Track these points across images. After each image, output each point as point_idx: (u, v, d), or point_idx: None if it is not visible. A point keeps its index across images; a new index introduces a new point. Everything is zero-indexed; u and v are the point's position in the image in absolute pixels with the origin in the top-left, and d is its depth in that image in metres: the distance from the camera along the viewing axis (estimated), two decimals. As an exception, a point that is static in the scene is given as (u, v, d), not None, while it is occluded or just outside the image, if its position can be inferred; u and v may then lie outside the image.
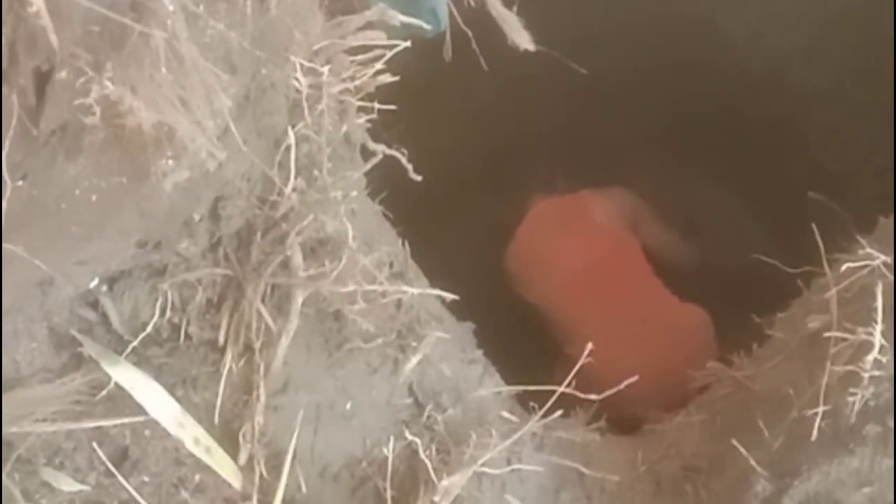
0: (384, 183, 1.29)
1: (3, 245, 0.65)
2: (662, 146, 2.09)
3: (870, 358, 1.02)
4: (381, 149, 1.20)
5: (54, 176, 0.68)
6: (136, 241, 0.86)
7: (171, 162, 0.74)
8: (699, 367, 1.33)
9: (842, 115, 2.15)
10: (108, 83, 0.63)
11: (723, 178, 2.26)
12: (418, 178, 1.23)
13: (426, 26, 1.20)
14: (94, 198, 0.72)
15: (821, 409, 1.03)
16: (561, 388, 1.12)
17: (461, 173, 2.15)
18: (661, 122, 2.24)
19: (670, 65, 2.22)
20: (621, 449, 1.26)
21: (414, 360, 1.14)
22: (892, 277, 1.08)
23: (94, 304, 1.01)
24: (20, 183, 0.65)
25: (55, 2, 0.56)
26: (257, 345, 1.03)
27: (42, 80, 0.62)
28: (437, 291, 1.14)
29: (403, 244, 1.26)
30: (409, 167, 1.22)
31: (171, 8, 0.62)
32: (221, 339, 1.02)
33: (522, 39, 0.93)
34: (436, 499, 1.01)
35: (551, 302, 1.91)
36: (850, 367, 1.03)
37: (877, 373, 1.02)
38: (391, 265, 1.20)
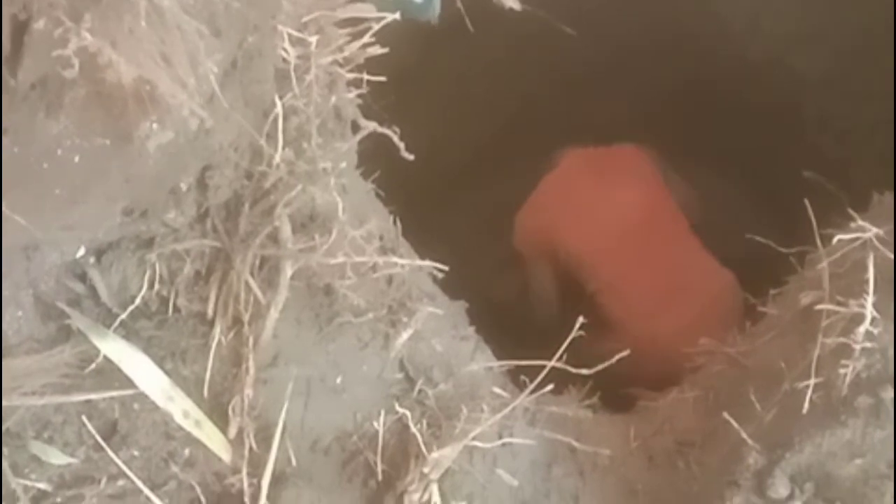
0: (376, 163, 1.29)
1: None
2: (657, 131, 2.08)
3: (861, 330, 1.01)
4: (372, 125, 1.19)
5: (36, 133, 0.68)
6: (122, 208, 0.85)
7: (154, 125, 0.74)
8: (725, 332, 1.32)
9: (840, 100, 2.15)
10: (87, 34, 0.62)
11: (719, 164, 2.26)
12: (410, 156, 1.22)
13: (417, 0, 1.20)
14: (77, 159, 0.71)
15: (812, 381, 1.03)
16: (552, 363, 1.12)
17: (456, 152, 2.14)
18: (656, 106, 2.23)
19: (668, 49, 2.22)
20: (614, 425, 1.26)
21: (405, 335, 1.13)
22: (884, 250, 1.07)
23: (82, 277, 1.00)
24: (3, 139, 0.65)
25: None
26: (246, 317, 1.02)
27: (20, 29, 0.62)
28: (429, 263, 1.14)
29: (395, 222, 1.26)
30: (401, 145, 1.21)
31: (149, -41, 0.62)
32: (210, 312, 1.02)
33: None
34: (426, 471, 1.01)
35: (585, 251, 1.87)
36: (841, 340, 1.03)
37: (868, 345, 1.01)
38: (381, 238, 1.19)
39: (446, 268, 1.15)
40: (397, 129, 1.19)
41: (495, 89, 2.27)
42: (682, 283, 1.83)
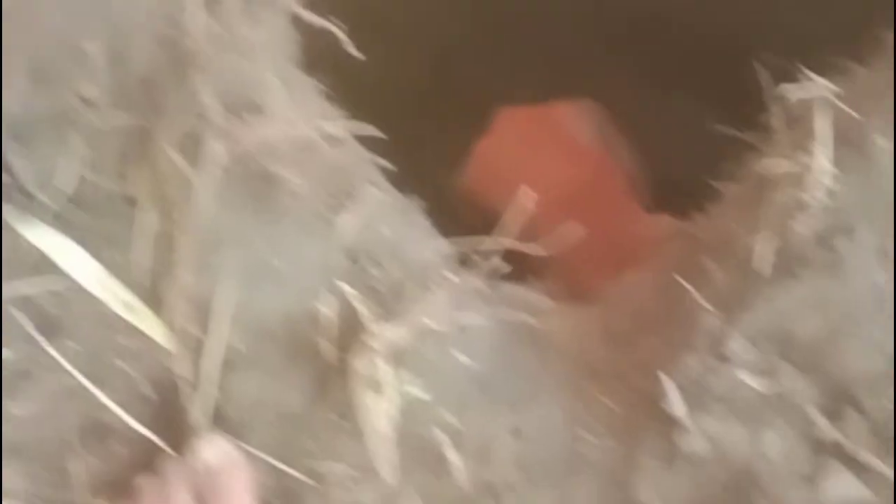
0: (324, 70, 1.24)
1: None
2: (612, 55, 2.02)
3: (812, 180, 0.98)
4: (312, 17, 1.14)
5: None
6: (26, 68, 0.81)
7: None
8: None
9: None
10: None
11: (679, 88, 2.19)
12: (360, 55, 1.17)
13: None
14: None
15: (764, 235, 1.00)
16: (507, 244, 1.09)
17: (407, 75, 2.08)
18: (610, 31, 2.16)
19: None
20: (573, 309, 1.23)
21: (349, 218, 1.10)
22: (843, 107, 1.04)
23: (6, 163, 0.97)
24: None
25: None
26: (178, 200, 0.99)
27: None
28: (372, 132, 1.10)
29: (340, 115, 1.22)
30: (348, 42, 1.16)
31: None
32: (140, 196, 0.98)
33: None
34: (375, 346, 0.98)
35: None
36: (793, 193, 1.00)
37: (820, 195, 0.98)
38: (323, 126, 1.15)
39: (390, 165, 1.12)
40: (344, 27, 1.14)
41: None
42: (625, 245, 1.78)
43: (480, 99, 2.02)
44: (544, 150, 1.90)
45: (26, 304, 1.01)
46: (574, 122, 1.98)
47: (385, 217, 1.16)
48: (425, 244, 1.17)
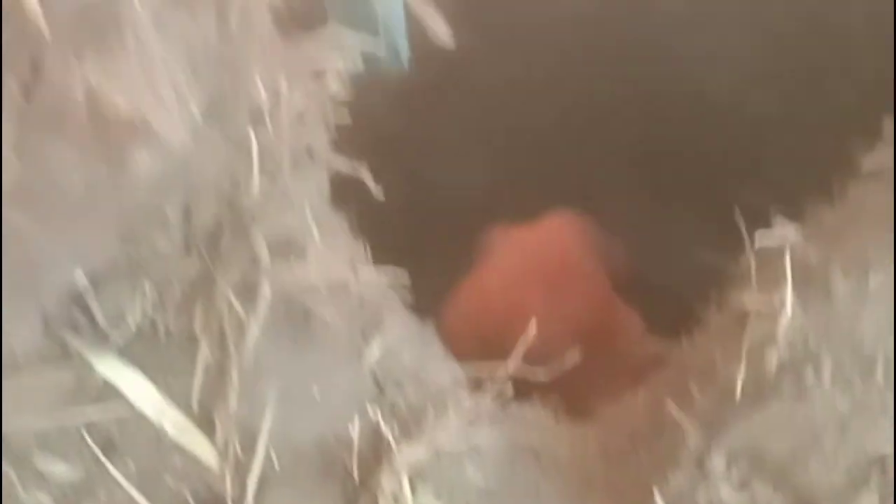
0: (350, 202, 1.41)
1: (5, 216, 0.76)
2: (612, 169, 2.22)
3: (782, 318, 1.14)
4: (341, 163, 1.32)
5: (44, 158, 0.79)
6: (117, 234, 0.96)
7: (145, 155, 0.86)
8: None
9: (796, 139, 2.28)
10: (91, 72, 0.74)
11: (674, 201, 2.39)
12: (380, 196, 1.35)
13: (378, 53, 1.34)
14: (77, 184, 0.83)
15: (742, 367, 1.15)
16: (512, 368, 1.23)
17: (430, 196, 2.26)
18: (612, 145, 2.37)
19: (624, 89, 2.37)
20: (573, 429, 1.37)
21: (376, 349, 1.24)
22: (804, 250, 1.20)
23: (81, 302, 1.11)
24: (14, 161, 0.77)
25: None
26: (229, 334, 1.13)
27: (36, 66, 0.74)
28: (396, 277, 1.25)
29: (366, 249, 1.38)
30: (371, 184, 1.34)
31: (139, 9, 0.75)
32: (197, 330, 1.13)
33: (441, 33, 1.06)
34: (398, 465, 1.11)
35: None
36: (766, 328, 1.15)
37: (789, 331, 1.13)
38: (355, 267, 1.31)
39: (407, 284, 1.27)
40: (368, 169, 1.32)
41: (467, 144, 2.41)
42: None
43: (479, 215, 2.19)
44: (537, 279, 2.01)
45: (90, 426, 1.14)
46: (564, 237, 2.11)
47: (406, 345, 1.31)
48: (441, 369, 1.32)
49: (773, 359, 1.13)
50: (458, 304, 2.04)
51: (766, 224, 1.33)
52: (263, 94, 1.05)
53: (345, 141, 1.32)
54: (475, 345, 1.91)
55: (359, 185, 1.31)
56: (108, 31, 0.75)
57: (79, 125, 0.77)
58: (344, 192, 1.35)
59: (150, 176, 0.87)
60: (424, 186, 2.30)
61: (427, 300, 1.42)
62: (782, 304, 1.14)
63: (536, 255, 2.09)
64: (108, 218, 0.92)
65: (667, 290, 1.94)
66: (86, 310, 1.11)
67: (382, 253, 1.40)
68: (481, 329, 1.91)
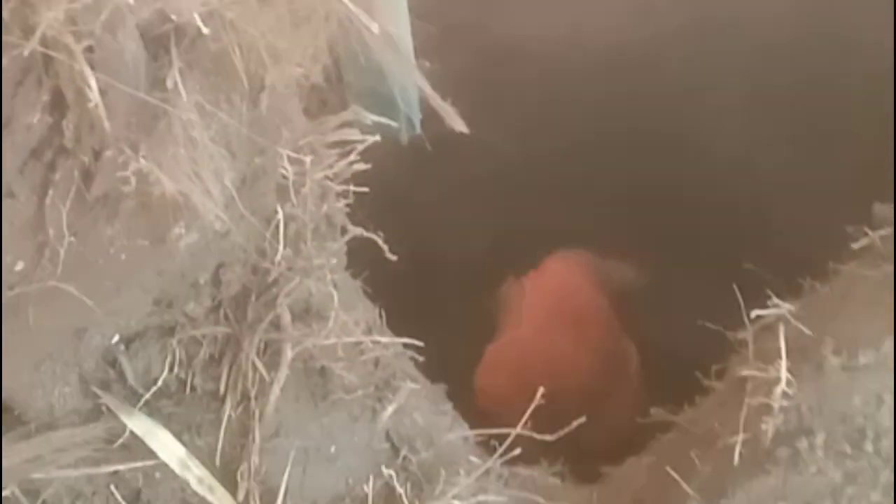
0: (364, 265, 1.48)
1: (61, 286, 0.84)
2: (617, 227, 2.28)
3: (778, 390, 1.19)
4: (358, 230, 1.39)
5: (96, 235, 0.87)
6: (153, 299, 1.04)
7: (184, 228, 0.93)
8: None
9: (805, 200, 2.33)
10: (142, 159, 0.82)
11: (680, 258, 2.42)
12: (394, 257, 1.42)
13: (394, 124, 1.42)
14: (122, 256, 0.90)
15: (740, 437, 1.20)
16: (516, 430, 1.29)
17: (438, 255, 2.33)
18: (618, 202, 2.43)
19: (632, 146, 2.44)
20: (578, 489, 1.42)
21: (390, 409, 1.30)
22: (797, 324, 1.26)
23: (113, 361, 1.18)
24: (72, 239, 0.84)
25: (107, 96, 0.76)
26: (253, 394, 1.19)
27: (96, 156, 0.82)
28: (409, 340, 1.32)
29: (380, 313, 1.45)
30: (385, 248, 1.41)
31: (185, 99, 0.83)
32: (222, 390, 1.19)
33: (457, 124, 1.14)
34: (409, 526, 1.16)
35: None
36: (763, 400, 1.20)
37: (784, 403, 1.19)
38: (370, 330, 1.38)
39: (422, 344, 1.33)
40: (381, 234, 1.39)
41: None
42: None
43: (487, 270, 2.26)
44: (562, 320, 2.10)
45: (118, 479, 1.20)
46: (573, 275, 2.19)
47: (419, 406, 1.37)
48: (452, 431, 1.38)
49: (769, 428, 1.18)
50: (498, 358, 2.11)
51: (765, 293, 1.40)
52: (290, 171, 1.13)
53: (359, 204, 1.39)
54: (518, 395, 2.01)
55: (372, 245, 1.38)
56: (158, 121, 0.83)
57: (129, 207, 0.85)
58: (358, 254, 1.43)
59: (187, 248, 0.95)
60: (433, 246, 2.36)
61: (439, 360, 1.48)
62: (778, 378, 1.20)
63: (554, 298, 2.19)
64: (147, 286, 0.99)
65: (671, 355, 1.99)
66: (117, 368, 1.18)
67: (395, 314, 1.47)
68: (525, 376, 1.98)
